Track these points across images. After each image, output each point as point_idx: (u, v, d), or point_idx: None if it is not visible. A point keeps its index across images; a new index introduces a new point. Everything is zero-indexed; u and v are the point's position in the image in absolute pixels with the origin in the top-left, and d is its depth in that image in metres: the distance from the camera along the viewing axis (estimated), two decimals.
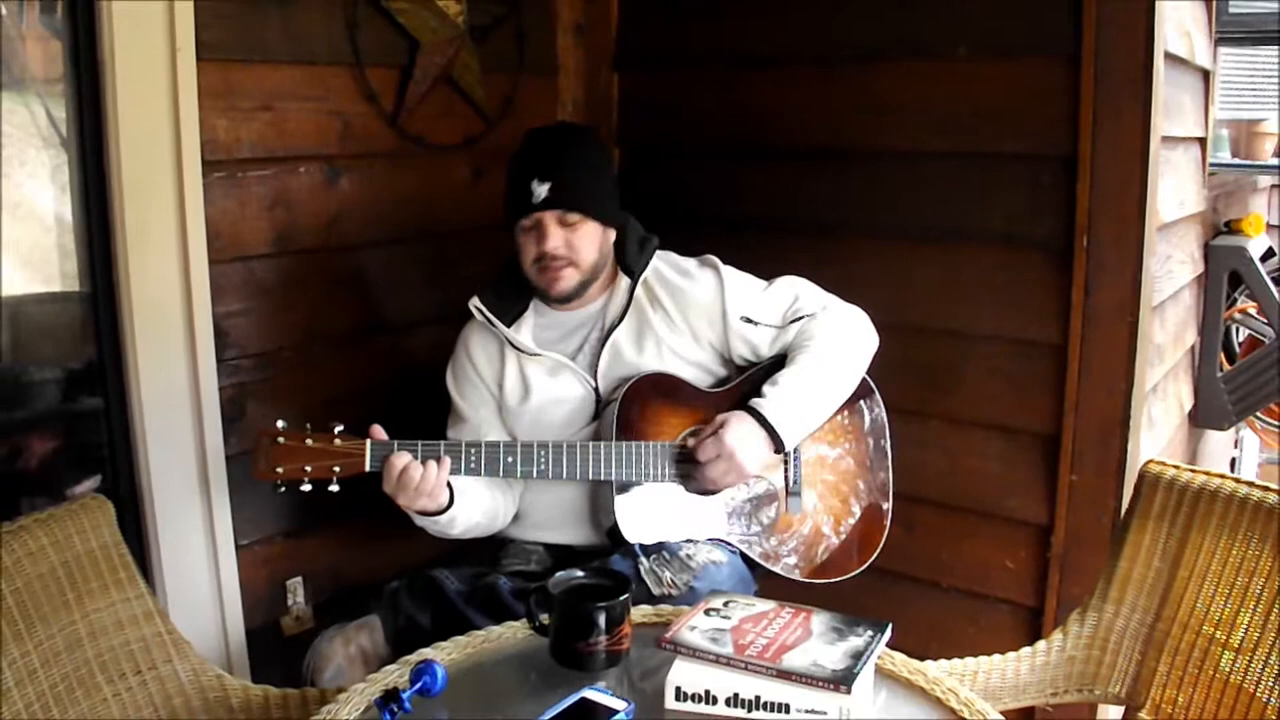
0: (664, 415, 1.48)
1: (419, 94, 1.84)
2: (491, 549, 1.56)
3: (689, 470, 1.44)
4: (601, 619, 1.07)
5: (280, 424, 1.33)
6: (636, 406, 1.46)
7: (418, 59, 1.82)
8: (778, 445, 1.43)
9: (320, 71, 1.72)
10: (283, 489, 1.34)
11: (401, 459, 1.32)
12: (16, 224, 1.54)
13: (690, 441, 1.44)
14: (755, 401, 1.43)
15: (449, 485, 1.37)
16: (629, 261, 1.53)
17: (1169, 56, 1.69)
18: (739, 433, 1.40)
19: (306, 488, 1.33)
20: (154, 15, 1.48)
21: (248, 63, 1.62)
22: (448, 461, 1.34)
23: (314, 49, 1.71)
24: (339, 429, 1.34)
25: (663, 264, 1.55)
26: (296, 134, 1.70)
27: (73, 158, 1.51)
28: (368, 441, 1.34)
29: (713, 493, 1.46)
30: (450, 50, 1.87)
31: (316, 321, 1.77)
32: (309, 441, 1.33)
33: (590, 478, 1.42)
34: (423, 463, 1.33)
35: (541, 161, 1.46)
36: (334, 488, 1.34)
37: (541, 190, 1.43)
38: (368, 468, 1.34)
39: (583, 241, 1.47)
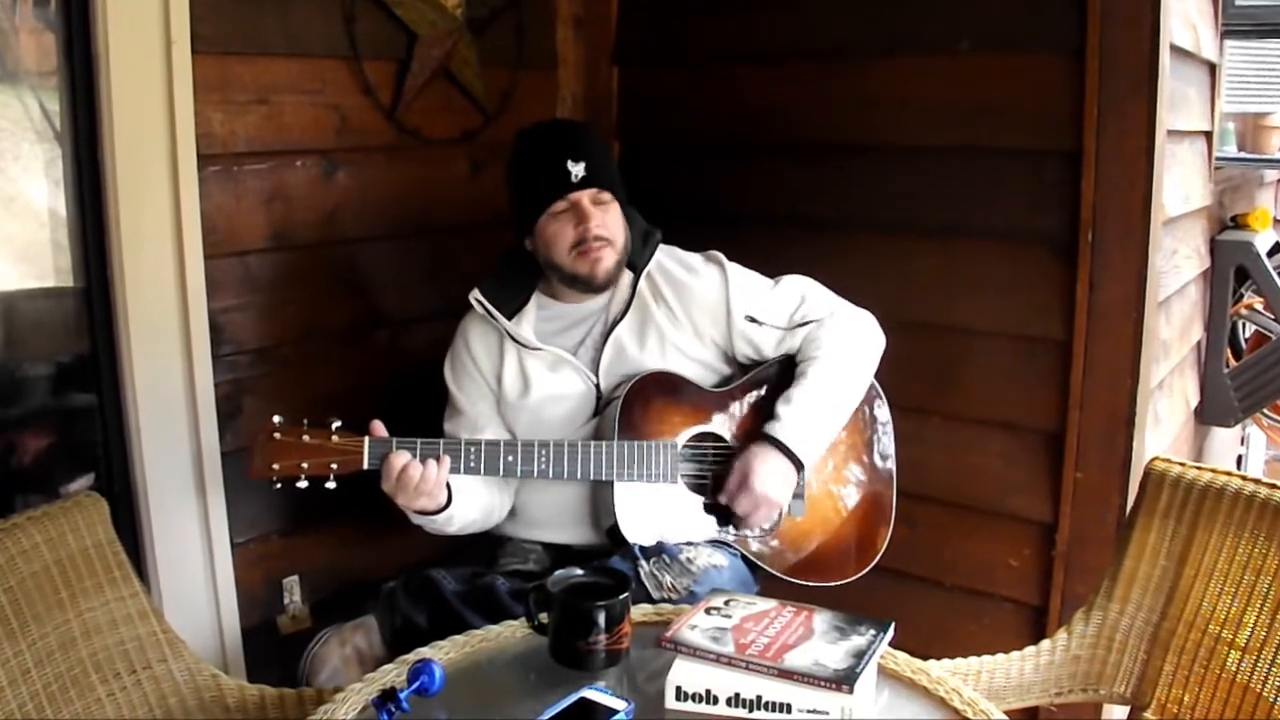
0: (667, 414, 1.46)
1: (416, 87, 1.82)
2: (489, 548, 1.55)
3: (726, 519, 1.44)
4: (601, 618, 1.06)
5: (277, 419, 1.31)
6: (639, 405, 1.44)
7: (415, 52, 1.81)
8: (798, 465, 1.43)
9: (317, 64, 1.71)
10: (279, 486, 1.32)
11: (400, 458, 1.31)
12: (10, 219, 1.53)
13: (721, 498, 1.43)
14: (771, 427, 1.42)
15: (447, 484, 1.35)
16: (632, 255, 1.51)
17: (1174, 49, 1.68)
18: (766, 473, 1.40)
19: (303, 484, 1.32)
20: (148, 8, 1.47)
21: (244, 55, 1.61)
22: (447, 460, 1.33)
23: (311, 41, 1.69)
24: (336, 425, 1.32)
25: (666, 258, 1.54)
26: (293, 127, 1.69)
27: (67, 152, 1.50)
28: (366, 439, 1.32)
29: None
30: (448, 43, 1.85)
31: (313, 317, 1.76)
32: (306, 438, 1.31)
33: (592, 477, 1.41)
34: (422, 461, 1.31)
35: (573, 142, 1.46)
36: (331, 485, 1.32)
37: (578, 169, 1.42)
38: (366, 466, 1.32)
39: (615, 223, 1.47)
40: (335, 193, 1.77)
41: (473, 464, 1.36)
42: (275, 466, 1.30)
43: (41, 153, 1.52)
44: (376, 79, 1.78)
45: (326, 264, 1.77)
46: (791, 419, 1.42)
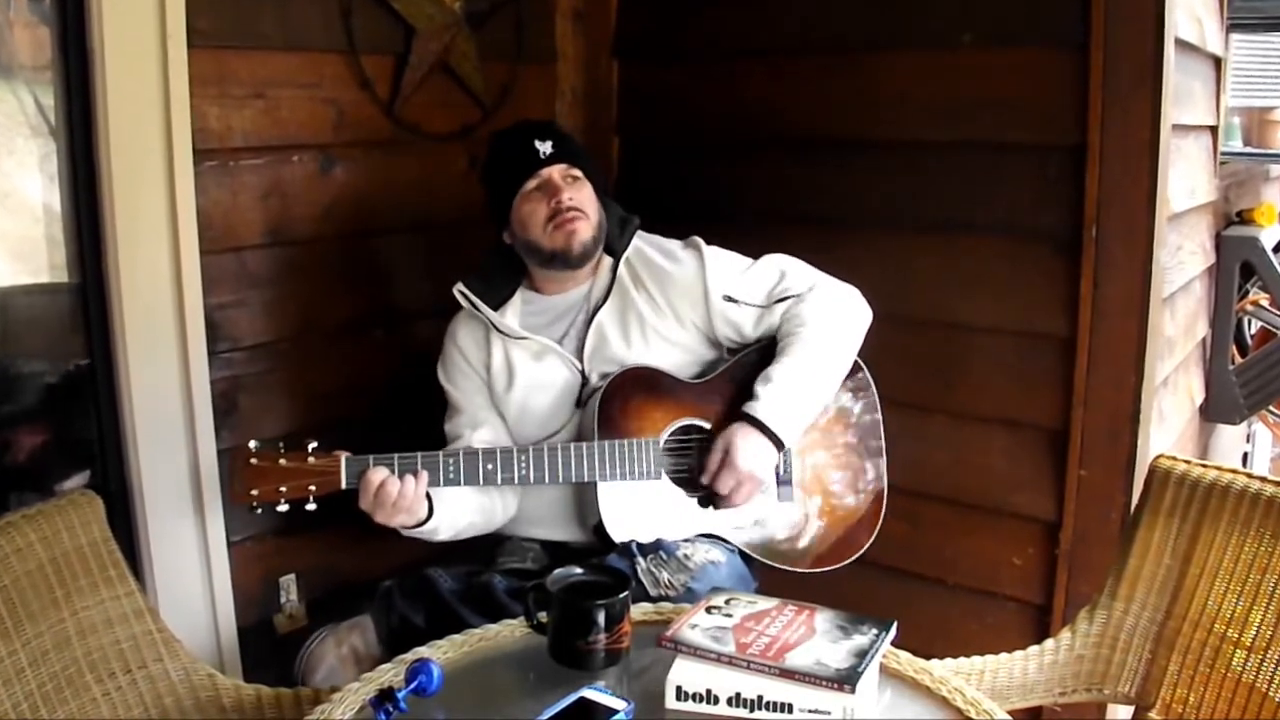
0: (646, 410, 1.45)
1: (415, 82, 1.81)
2: (487, 547, 1.54)
3: (707, 498, 1.43)
4: (601, 617, 1.05)
5: (253, 444, 1.29)
6: (617, 403, 1.43)
7: (414, 46, 1.80)
8: (778, 444, 1.41)
9: (314, 58, 1.70)
10: (259, 510, 1.30)
11: (378, 474, 1.29)
12: (5, 214, 1.53)
13: (704, 479, 1.42)
14: (750, 406, 1.41)
15: (428, 496, 1.33)
16: (611, 242, 1.52)
17: (1179, 43, 1.66)
18: (747, 451, 1.39)
19: (284, 508, 1.30)
20: (144, 1, 1.45)
21: (240, 49, 1.60)
22: (425, 475, 1.31)
23: (308, 35, 1.68)
24: (313, 445, 1.31)
25: (645, 244, 1.54)
26: (290, 122, 1.68)
27: (62, 147, 1.49)
28: (342, 457, 1.31)
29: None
30: (447, 37, 1.84)
31: (310, 313, 1.75)
32: (282, 461, 1.29)
33: (574, 480, 1.40)
34: (400, 477, 1.30)
35: (539, 126, 1.52)
36: (311, 507, 1.31)
37: (545, 147, 1.46)
38: (344, 485, 1.31)
39: (588, 199, 1.49)
40: (333, 188, 1.76)
41: (451, 475, 1.34)
42: (254, 492, 1.29)
43: (36, 148, 1.51)
44: (374, 73, 1.77)
45: (324, 260, 1.76)
46: (770, 398, 1.41)
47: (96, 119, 1.45)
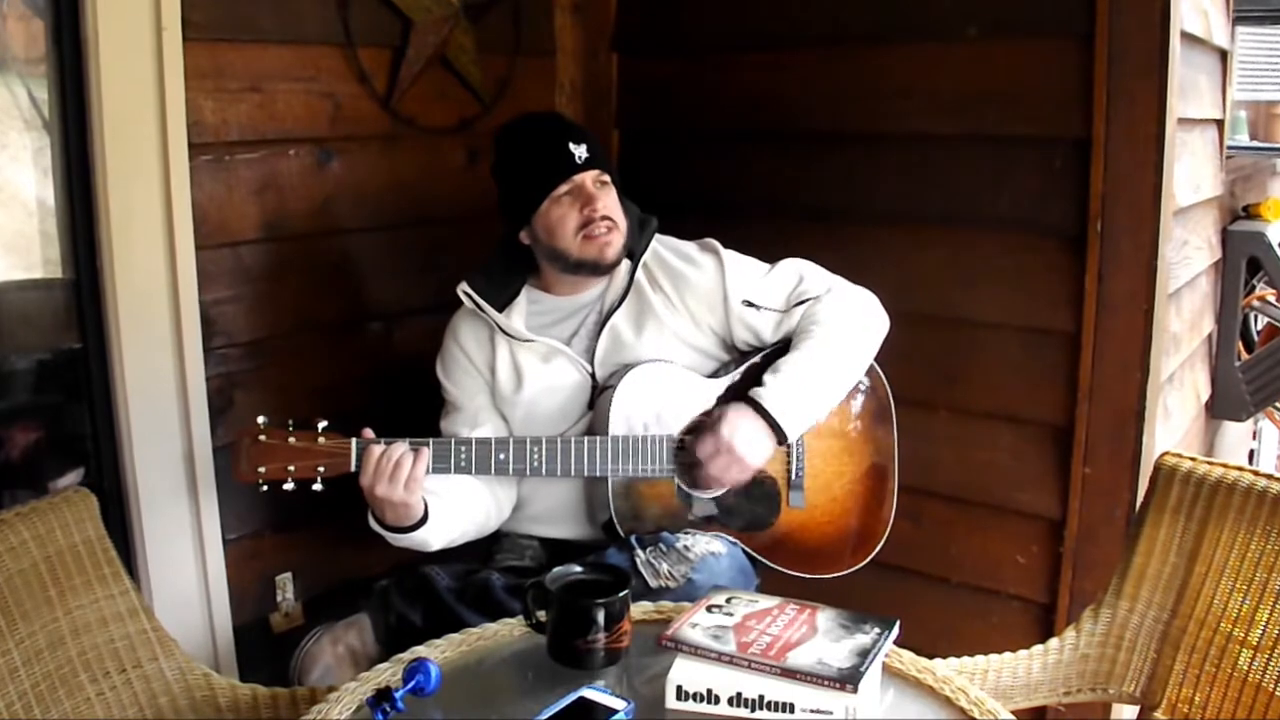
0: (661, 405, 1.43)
1: (412, 75, 1.81)
2: (485, 544, 1.53)
3: (691, 468, 1.40)
4: (600, 616, 1.04)
5: (261, 421, 1.29)
6: (633, 395, 1.41)
7: (411, 39, 1.79)
8: (780, 436, 1.39)
9: (311, 51, 1.69)
10: (265, 488, 1.30)
11: (380, 446, 1.28)
12: None
13: (698, 451, 1.40)
14: (754, 391, 1.40)
15: (425, 506, 1.32)
16: (629, 243, 1.49)
17: (1185, 36, 1.65)
18: (736, 425, 1.36)
19: (290, 487, 1.30)
20: None
21: (236, 42, 1.60)
22: (425, 454, 1.29)
23: (304, 28, 1.68)
24: (323, 425, 1.30)
25: (662, 247, 1.52)
26: (286, 115, 1.67)
27: (55, 140, 1.48)
28: (353, 440, 1.30)
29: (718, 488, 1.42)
30: (444, 30, 1.83)
31: (307, 309, 1.74)
32: (292, 440, 1.29)
33: (586, 473, 1.39)
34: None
35: (569, 126, 1.47)
36: (317, 487, 1.30)
37: (580, 151, 1.42)
38: (353, 468, 1.30)
39: (617, 206, 1.46)
40: (329, 182, 1.75)
41: (464, 463, 1.33)
42: (261, 470, 1.28)
43: (30, 141, 1.50)
44: (371, 66, 1.76)
45: (320, 255, 1.76)
46: (776, 386, 1.39)
47: (91, 113, 1.45)
